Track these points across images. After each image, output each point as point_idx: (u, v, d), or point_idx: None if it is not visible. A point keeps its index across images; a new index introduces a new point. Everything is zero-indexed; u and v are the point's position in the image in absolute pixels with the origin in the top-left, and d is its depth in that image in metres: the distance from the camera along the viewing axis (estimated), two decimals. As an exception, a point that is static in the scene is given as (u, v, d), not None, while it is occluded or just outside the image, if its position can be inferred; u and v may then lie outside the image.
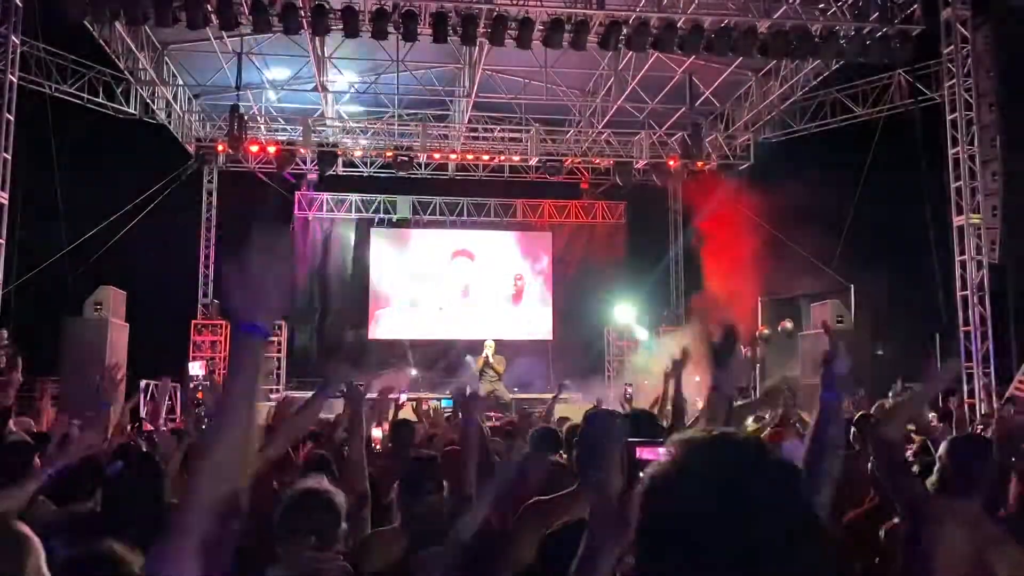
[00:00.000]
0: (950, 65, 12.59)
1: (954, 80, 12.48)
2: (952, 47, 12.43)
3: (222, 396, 1.35)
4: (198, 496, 1.25)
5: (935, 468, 2.98)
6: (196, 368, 15.92)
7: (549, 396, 14.81)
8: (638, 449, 1.60)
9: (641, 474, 1.25)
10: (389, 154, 16.85)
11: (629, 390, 15.11)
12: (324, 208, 19.47)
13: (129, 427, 6.32)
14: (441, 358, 18.22)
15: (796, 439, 3.86)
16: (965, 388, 12.19)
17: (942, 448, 2.99)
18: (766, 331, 16.32)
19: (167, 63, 14.97)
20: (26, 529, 1.65)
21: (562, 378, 16.83)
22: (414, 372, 17.37)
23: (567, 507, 2.54)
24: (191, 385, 15.20)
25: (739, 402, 5.91)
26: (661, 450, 1.32)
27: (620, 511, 1.28)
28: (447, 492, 3.02)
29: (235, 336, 1.35)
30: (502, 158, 17.82)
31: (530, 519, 2.66)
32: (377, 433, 5.67)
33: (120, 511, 2.71)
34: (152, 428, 6.96)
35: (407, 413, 6.88)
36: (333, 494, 2.54)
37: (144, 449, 4.49)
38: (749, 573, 0.99)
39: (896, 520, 3.18)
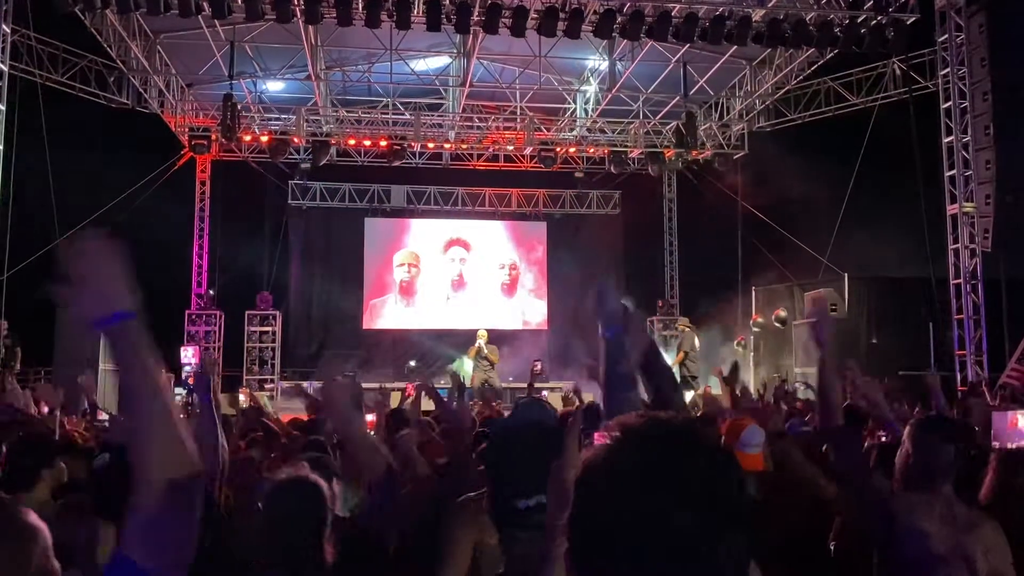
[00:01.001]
0: (944, 54, 12.61)
1: (948, 69, 12.50)
2: (946, 36, 12.45)
3: (120, 393, 1.34)
4: (144, 483, 1.25)
5: (897, 455, 2.90)
6: (188, 355, 15.91)
7: (545, 386, 15.02)
8: (596, 436, 1.61)
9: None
10: (383, 143, 16.82)
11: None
12: (318, 197, 19.42)
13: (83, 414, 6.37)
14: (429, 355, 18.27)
15: (752, 423, 3.89)
16: (958, 376, 12.26)
17: (904, 434, 2.90)
18: (760, 320, 16.38)
19: (159, 52, 14.88)
20: (32, 517, 1.64)
21: (558, 367, 16.97)
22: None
23: None
24: (184, 370, 15.21)
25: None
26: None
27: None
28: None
29: (100, 335, 1.34)
30: (496, 147, 17.80)
31: (466, 520, 2.59)
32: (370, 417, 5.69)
33: (112, 503, 2.71)
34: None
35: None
36: (318, 484, 2.54)
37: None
38: (675, 564, 0.96)
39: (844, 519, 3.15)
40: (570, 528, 1.06)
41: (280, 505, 2.48)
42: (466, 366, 15.07)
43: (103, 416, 7.07)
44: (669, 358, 15.63)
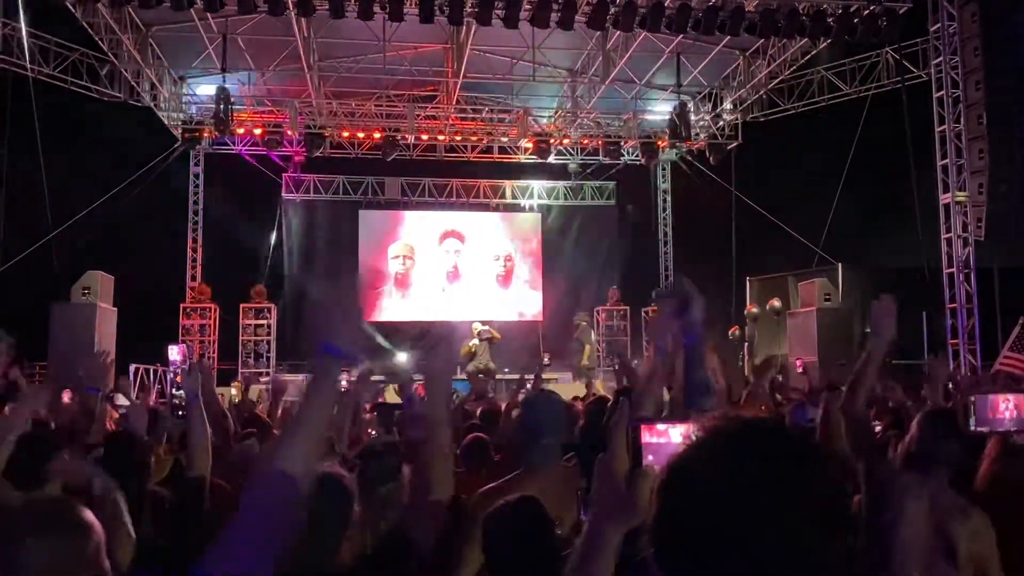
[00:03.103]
0: (937, 43, 12.63)
1: (941, 58, 12.51)
2: (939, 25, 12.46)
3: (301, 406, 1.49)
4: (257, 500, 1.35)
5: (904, 441, 3.01)
6: (174, 353, 15.84)
7: (548, 377, 15.02)
8: (644, 429, 1.60)
9: (649, 457, 1.22)
10: (377, 136, 16.79)
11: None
12: (312, 190, 19.39)
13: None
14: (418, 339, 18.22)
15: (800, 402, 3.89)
16: (951, 364, 12.30)
17: (914, 422, 3.01)
18: (754, 310, 16.41)
19: (152, 45, 14.81)
20: (88, 514, 1.66)
21: (553, 359, 16.96)
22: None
23: (516, 491, 2.52)
24: (171, 369, 15.16)
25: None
26: (678, 431, 1.26)
27: (627, 495, 1.26)
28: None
29: (316, 355, 1.52)
30: (490, 139, 17.78)
31: (483, 509, 2.58)
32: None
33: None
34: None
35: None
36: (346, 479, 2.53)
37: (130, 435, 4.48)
38: (782, 566, 0.94)
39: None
40: (657, 533, 1.02)
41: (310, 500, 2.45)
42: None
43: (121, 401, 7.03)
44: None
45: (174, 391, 7.28)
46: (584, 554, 1.53)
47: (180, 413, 4.43)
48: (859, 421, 2.99)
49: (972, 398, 3.54)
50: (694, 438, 1.04)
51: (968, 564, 2.67)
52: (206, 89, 16.12)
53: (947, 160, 12.49)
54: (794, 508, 0.95)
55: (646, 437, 1.65)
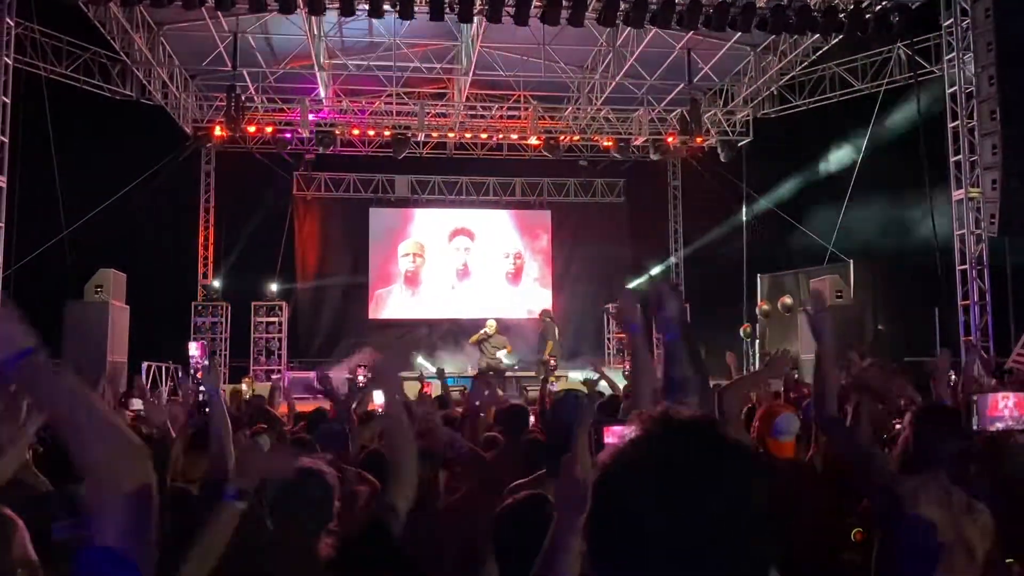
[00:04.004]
0: (949, 38, 12.53)
1: (953, 53, 12.42)
2: (952, 20, 12.36)
3: (58, 422, 1.37)
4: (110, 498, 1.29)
5: (898, 440, 2.94)
6: (194, 349, 15.97)
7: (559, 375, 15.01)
8: (605, 430, 1.59)
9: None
10: (387, 133, 16.81)
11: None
12: (322, 188, 19.45)
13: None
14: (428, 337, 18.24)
15: (790, 411, 3.86)
16: (964, 360, 12.22)
17: (906, 420, 2.94)
18: (766, 307, 16.36)
19: (163, 44, 14.88)
20: (6, 511, 1.69)
21: (566, 356, 16.95)
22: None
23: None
24: (191, 366, 15.26)
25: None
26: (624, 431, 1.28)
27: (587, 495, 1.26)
28: None
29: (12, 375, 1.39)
30: (500, 136, 17.78)
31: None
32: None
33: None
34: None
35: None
36: (328, 474, 2.56)
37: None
38: (697, 564, 0.93)
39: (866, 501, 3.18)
40: (588, 528, 1.02)
41: (292, 496, 2.49)
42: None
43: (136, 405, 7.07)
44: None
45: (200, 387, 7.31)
46: (548, 553, 1.53)
47: (207, 409, 4.45)
48: (836, 426, 2.97)
49: (974, 397, 3.52)
50: (630, 437, 1.03)
51: (978, 563, 2.65)
52: (217, 88, 16.16)
53: (960, 156, 12.40)
54: (720, 508, 0.95)
55: (608, 438, 1.66)
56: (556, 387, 10.00)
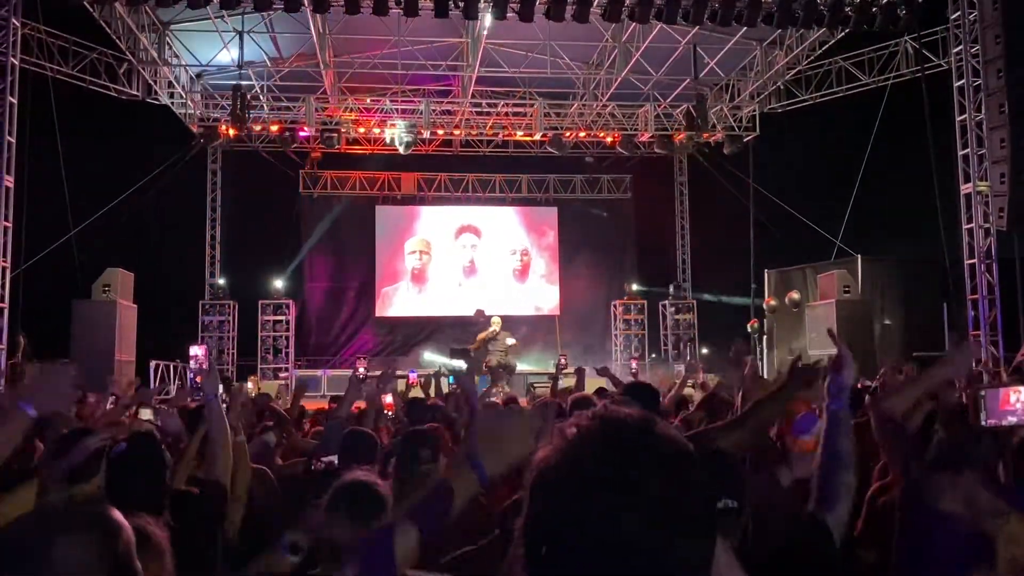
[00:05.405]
0: (957, 31, 12.47)
1: (961, 46, 12.36)
2: (959, 13, 12.30)
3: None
4: None
5: (933, 441, 2.95)
6: (195, 350, 15.97)
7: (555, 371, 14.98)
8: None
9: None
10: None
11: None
12: (328, 186, 19.45)
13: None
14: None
15: (808, 409, 3.81)
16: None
17: (938, 424, 2.97)
18: (773, 302, 16.32)
19: (168, 43, 14.89)
20: (117, 514, 1.66)
21: (571, 353, 16.94)
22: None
23: None
24: (191, 369, 15.26)
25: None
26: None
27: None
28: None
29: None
30: (506, 133, 17.76)
31: None
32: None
33: (122, 491, 2.74)
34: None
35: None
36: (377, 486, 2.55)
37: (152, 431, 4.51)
38: (636, 566, 0.93)
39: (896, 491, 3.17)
40: (524, 529, 1.01)
41: (345, 505, 2.47)
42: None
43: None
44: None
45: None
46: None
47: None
48: (892, 420, 2.96)
49: (982, 392, 3.48)
50: (564, 437, 1.02)
51: (1007, 569, 2.62)
52: (223, 87, 16.18)
53: (968, 150, 12.34)
54: (655, 509, 0.94)
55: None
56: (561, 384, 9.96)
